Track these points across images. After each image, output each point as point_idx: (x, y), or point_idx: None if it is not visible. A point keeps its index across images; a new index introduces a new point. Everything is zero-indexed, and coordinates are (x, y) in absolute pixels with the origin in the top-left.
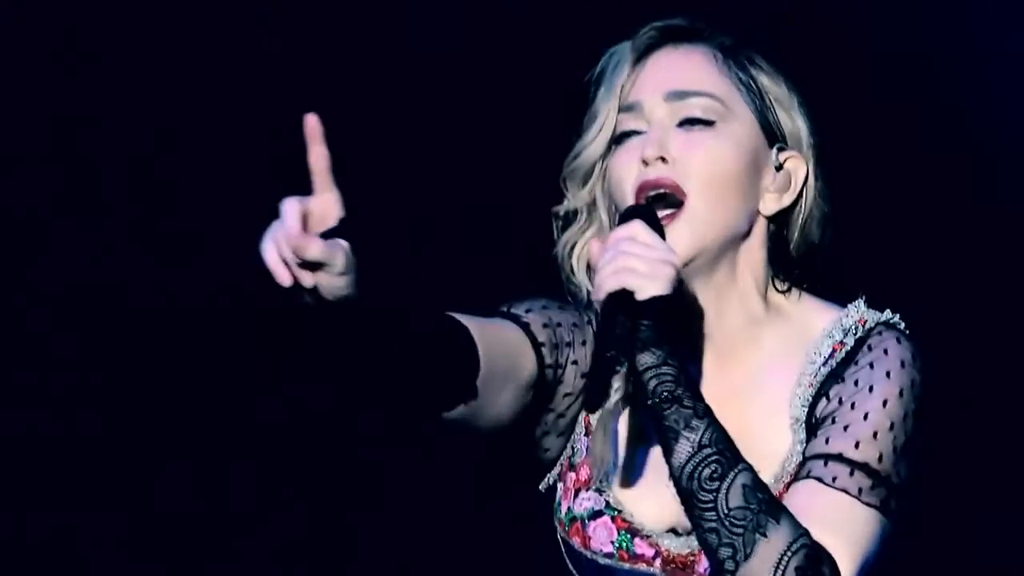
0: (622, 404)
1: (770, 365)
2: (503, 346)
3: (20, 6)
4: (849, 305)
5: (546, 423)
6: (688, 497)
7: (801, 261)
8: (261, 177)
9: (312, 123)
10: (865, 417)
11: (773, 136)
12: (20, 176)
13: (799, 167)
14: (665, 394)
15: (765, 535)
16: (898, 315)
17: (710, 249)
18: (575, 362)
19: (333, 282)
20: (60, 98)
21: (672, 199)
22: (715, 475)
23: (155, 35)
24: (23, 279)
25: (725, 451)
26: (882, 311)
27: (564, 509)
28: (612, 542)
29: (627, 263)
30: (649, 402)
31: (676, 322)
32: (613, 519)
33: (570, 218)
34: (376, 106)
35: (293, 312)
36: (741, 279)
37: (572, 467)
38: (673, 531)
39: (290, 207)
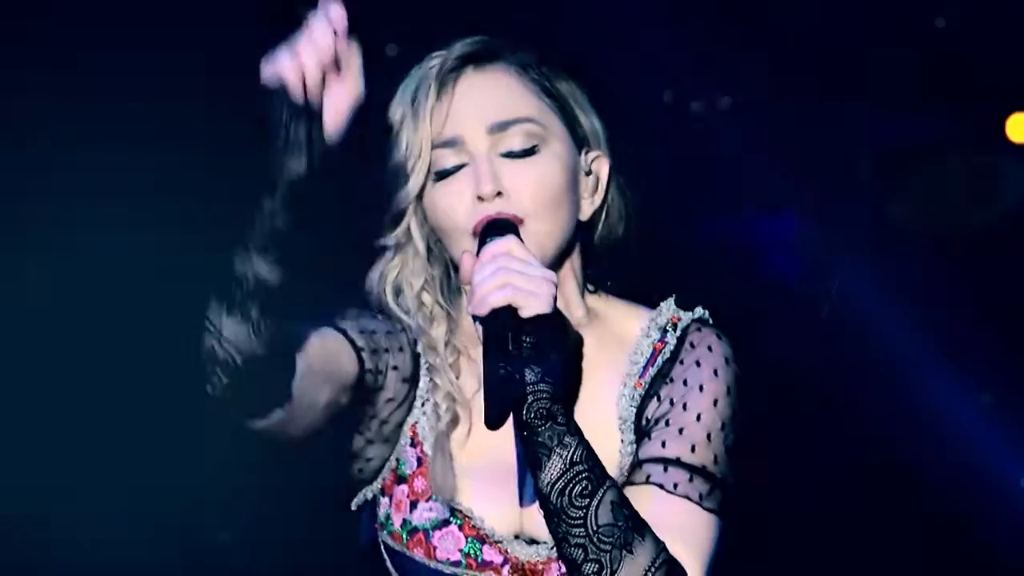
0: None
1: (592, 368)
2: (321, 349)
3: None
4: (661, 304)
5: (369, 430)
6: (557, 513)
7: (608, 259)
8: None
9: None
10: (698, 418)
11: (580, 141)
12: None
13: (603, 166)
14: (541, 411)
15: (631, 552)
16: (707, 311)
17: (549, 261)
18: (395, 367)
19: (343, 99)
20: None
21: (511, 224)
22: (585, 492)
23: None
24: None
25: (595, 468)
26: (690, 309)
27: (398, 522)
28: (460, 550)
29: (509, 279)
30: (524, 417)
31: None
32: (460, 527)
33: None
34: None
35: None
36: (567, 286)
37: (402, 479)
38: (520, 538)
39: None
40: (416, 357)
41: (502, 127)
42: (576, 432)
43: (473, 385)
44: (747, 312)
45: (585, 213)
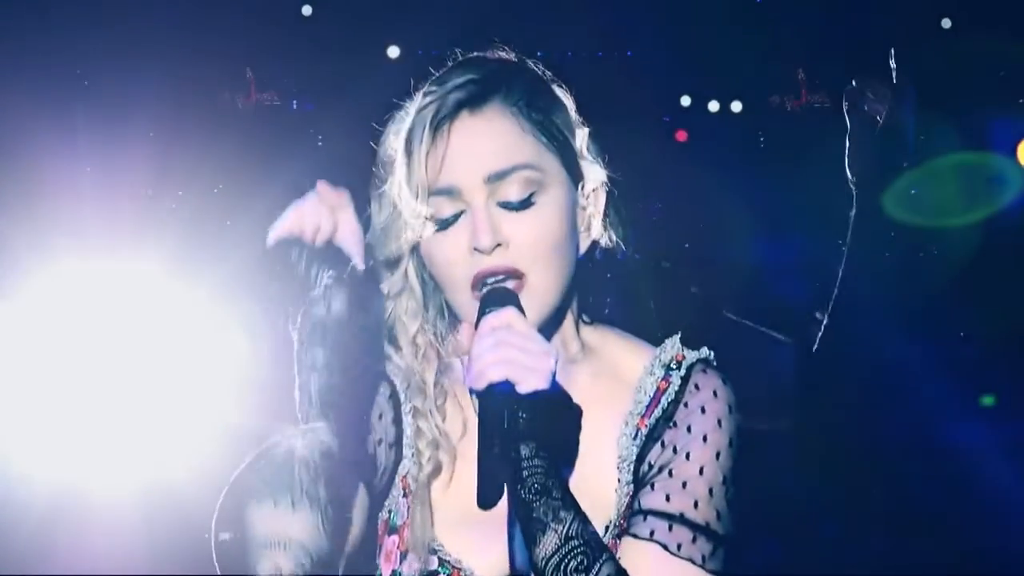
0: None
1: (587, 404)
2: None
3: None
4: (665, 341)
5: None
6: None
7: (606, 284)
8: None
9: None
10: (700, 472)
11: (577, 175)
12: None
13: (600, 195)
14: (536, 486)
15: None
16: (712, 352)
17: (551, 311)
18: (380, 440)
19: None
20: None
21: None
22: (581, 567)
23: None
24: None
25: (591, 542)
26: (696, 348)
27: (386, 573)
28: None
29: (508, 354)
30: (520, 493)
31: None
32: None
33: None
34: None
35: None
36: (565, 323)
37: (393, 529)
38: None
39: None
40: (397, 407)
41: (500, 176)
42: (572, 505)
43: (459, 429)
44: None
45: (584, 247)
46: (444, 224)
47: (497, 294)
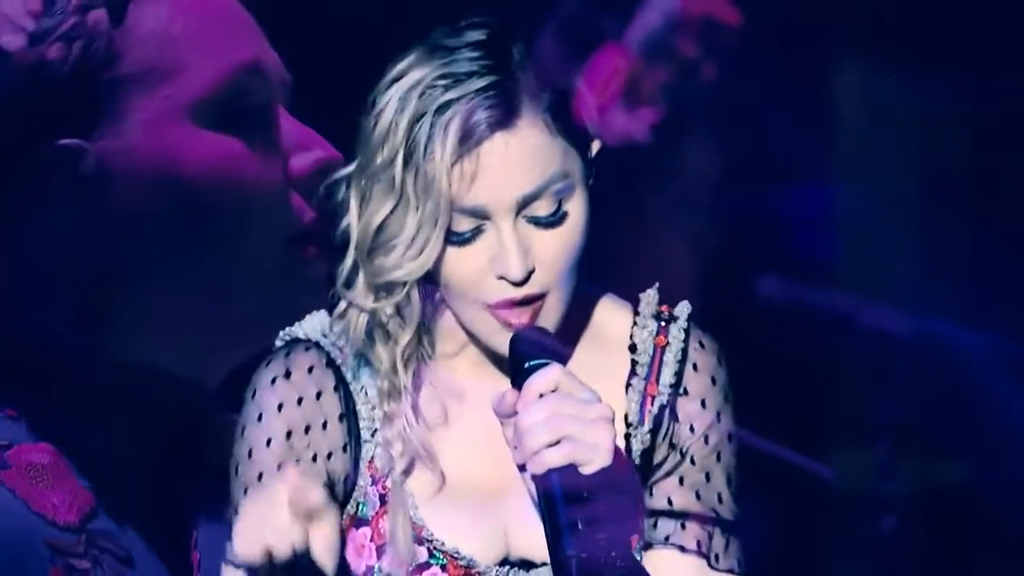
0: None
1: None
2: None
3: None
4: (641, 296)
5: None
6: None
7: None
8: None
9: None
10: (718, 458)
11: (591, 163)
12: None
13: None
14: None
15: None
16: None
17: (561, 322)
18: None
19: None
20: None
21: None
22: None
23: None
24: None
25: None
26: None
27: (361, 569)
28: None
29: (566, 430)
30: None
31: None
32: (444, 568)
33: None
34: None
35: None
36: None
37: (363, 521)
38: (508, 564)
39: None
40: (349, 406)
41: (533, 197)
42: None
43: (438, 415)
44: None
45: None
46: (461, 240)
47: (530, 340)
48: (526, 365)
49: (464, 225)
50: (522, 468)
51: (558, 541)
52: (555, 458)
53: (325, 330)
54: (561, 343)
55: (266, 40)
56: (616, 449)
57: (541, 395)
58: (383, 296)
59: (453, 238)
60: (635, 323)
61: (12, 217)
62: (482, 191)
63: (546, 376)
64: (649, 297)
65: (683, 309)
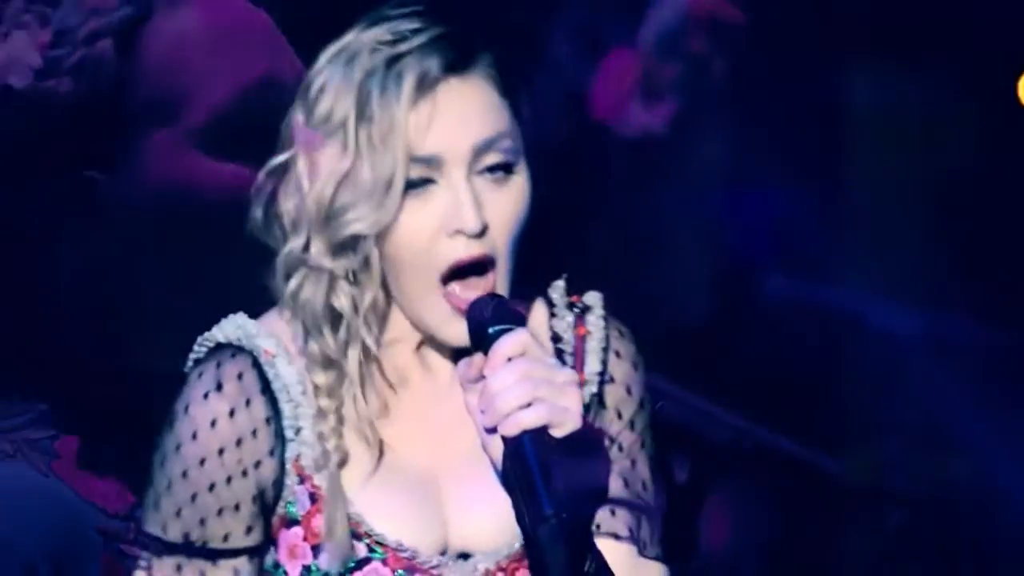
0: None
1: None
2: None
3: None
4: (551, 285)
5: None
6: None
7: None
8: None
9: None
10: (642, 445)
11: (528, 153)
12: None
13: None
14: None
15: None
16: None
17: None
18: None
19: None
20: None
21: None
22: None
23: None
24: None
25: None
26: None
27: (296, 571)
28: None
29: (537, 392)
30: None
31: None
32: (385, 562)
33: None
34: None
35: None
36: None
37: (294, 522)
38: (447, 554)
39: None
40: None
41: (487, 145)
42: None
43: (376, 407)
44: None
45: None
46: (415, 191)
47: (491, 304)
48: (490, 330)
49: (418, 174)
50: (491, 431)
51: (535, 503)
52: (530, 418)
53: (248, 330)
54: None
55: (285, 46)
56: (583, 414)
57: (509, 359)
58: (341, 255)
59: (407, 187)
60: (553, 314)
61: (32, 245)
62: (438, 138)
63: (514, 339)
64: (559, 288)
65: (595, 298)
